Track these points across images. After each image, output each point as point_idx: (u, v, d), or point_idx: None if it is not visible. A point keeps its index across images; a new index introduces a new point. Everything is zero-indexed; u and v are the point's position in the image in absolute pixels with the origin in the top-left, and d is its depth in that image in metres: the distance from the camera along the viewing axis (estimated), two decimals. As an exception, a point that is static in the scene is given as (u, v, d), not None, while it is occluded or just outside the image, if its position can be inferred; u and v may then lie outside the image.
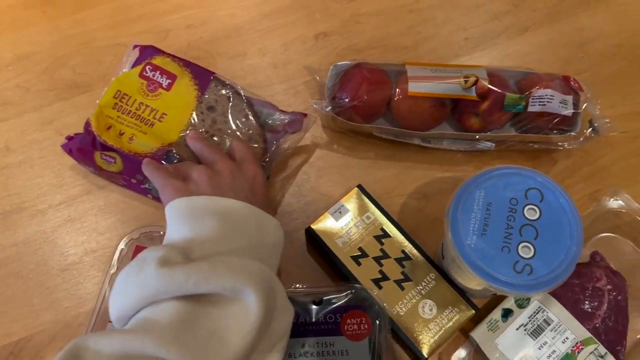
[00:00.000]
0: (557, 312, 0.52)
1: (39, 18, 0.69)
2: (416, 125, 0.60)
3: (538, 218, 0.46)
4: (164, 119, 0.57)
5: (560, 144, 0.60)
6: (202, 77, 0.59)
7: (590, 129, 0.60)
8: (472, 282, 0.49)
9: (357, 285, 0.52)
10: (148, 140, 0.56)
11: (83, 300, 0.56)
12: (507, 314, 0.53)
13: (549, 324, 0.51)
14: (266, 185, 0.53)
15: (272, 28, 0.69)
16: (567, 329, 0.51)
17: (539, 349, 0.51)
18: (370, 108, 0.60)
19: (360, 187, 0.57)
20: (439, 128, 0.62)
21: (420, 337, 0.51)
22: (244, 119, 0.58)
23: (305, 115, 0.60)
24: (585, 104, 0.60)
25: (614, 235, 0.59)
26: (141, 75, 0.58)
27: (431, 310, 0.52)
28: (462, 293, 0.53)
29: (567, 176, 0.62)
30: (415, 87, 0.58)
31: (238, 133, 0.57)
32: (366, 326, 0.50)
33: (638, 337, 0.55)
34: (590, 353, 0.50)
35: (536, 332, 0.51)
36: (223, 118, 0.58)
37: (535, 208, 0.46)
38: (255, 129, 0.58)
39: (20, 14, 0.69)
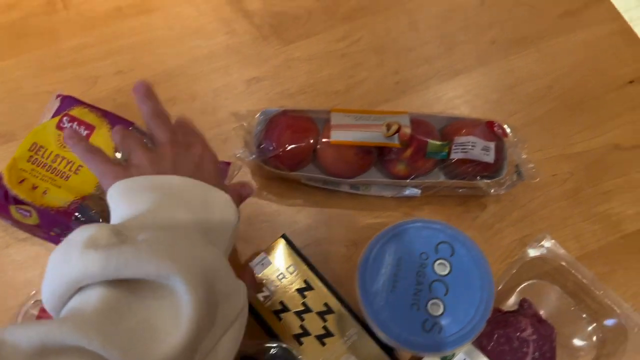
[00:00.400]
0: (481, 365, 0.51)
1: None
2: (342, 172, 0.60)
3: (448, 273, 0.45)
4: (80, 171, 0.55)
5: (485, 189, 0.59)
6: (121, 127, 0.58)
7: (516, 174, 0.59)
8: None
9: (282, 344, 0.51)
10: (62, 194, 0.54)
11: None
12: (431, 368, 0.52)
13: (472, 378, 0.50)
14: (216, 164, 0.48)
15: (203, 73, 0.68)
16: (489, 383, 0.50)
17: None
18: (294, 156, 0.59)
19: (284, 237, 0.56)
20: (368, 174, 0.61)
21: (341, 396, 0.50)
22: (163, 170, 0.57)
23: (229, 163, 0.59)
24: (510, 150, 0.60)
25: (542, 281, 0.58)
26: (58, 127, 0.57)
27: (352, 367, 0.51)
28: (387, 348, 0.52)
29: (497, 221, 0.62)
30: (338, 136, 0.57)
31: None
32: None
33: (567, 386, 0.54)
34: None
35: (459, 387, 0.50)
36: (142, 169, 0.56)
37: (446, 263, 0.45)
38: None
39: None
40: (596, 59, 0.71)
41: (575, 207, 0.62)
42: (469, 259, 0.45)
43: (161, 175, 0.43)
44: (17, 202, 0.54)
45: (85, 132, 0.57)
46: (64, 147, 0.56)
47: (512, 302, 0.58)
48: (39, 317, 0.54)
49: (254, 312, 0.52)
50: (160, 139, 0.47)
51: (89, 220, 0.54)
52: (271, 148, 0.58)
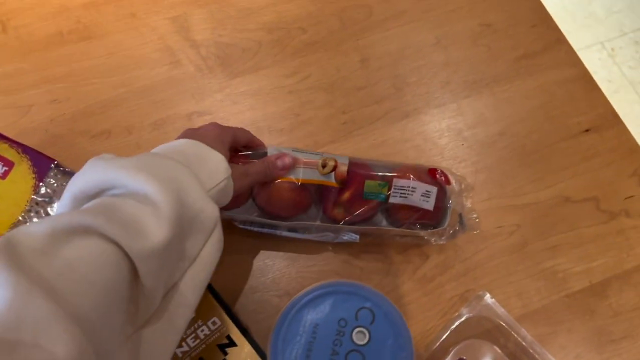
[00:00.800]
0: None
1: None
2: (279, 211, 0.57)
3: (366, 343, 0.42)
4: (-6, 206, 0.52)
5: (426, 238, 0.57)
6: (42, 164, 0.55)
7: (459, 224, 0.57)
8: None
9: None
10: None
11: None
12: None
13: None
14: (218, 133, 0.51)
15: (142, 105, 0.65)
16: None
17: None
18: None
19: (209, 287, 0.53)
20: (308, 217, 0.58)
21: None
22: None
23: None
24: (453, 198, 0.57)
25: (481, 341, 0.56)
26: (-26, 162, 0.54)
27: None
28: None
29: (439, 273, 0.59)
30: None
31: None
32: None
33: None
34: None
35: None
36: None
37: (365, 331, 0.42)
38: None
39: None
40: (552, 105, 0.69)
41: (520, 262, 0.60)
42: (390, 329, 0.42)
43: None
44: None
45: (3, 169, 0.54)
46: (-21, 183, 0.53)
47: (449, 361, 0.55)
48: None
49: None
50: None
51: None
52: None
